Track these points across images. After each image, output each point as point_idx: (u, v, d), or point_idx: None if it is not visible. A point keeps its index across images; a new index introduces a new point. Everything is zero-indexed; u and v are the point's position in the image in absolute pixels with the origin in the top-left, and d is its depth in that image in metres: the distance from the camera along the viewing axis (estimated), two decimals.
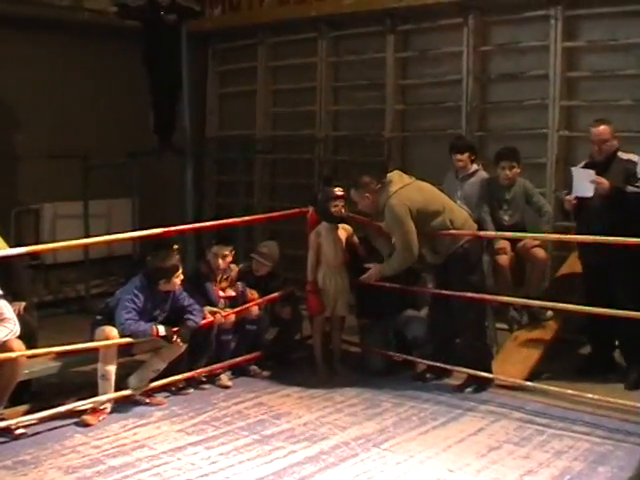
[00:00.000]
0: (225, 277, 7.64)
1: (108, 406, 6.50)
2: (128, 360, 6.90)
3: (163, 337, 6.61)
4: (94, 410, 6.35)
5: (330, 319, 7.75)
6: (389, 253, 7.37)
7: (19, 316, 6.13)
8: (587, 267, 7.51)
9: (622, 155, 7.24)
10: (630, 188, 6.98)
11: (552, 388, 6.87)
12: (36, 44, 10.32)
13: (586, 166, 7.32)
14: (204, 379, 7.32)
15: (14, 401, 6.23)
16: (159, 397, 6.90)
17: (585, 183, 7.05)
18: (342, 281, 7.62)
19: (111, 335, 6.47)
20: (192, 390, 7.16)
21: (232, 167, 11.67)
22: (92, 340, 6.60)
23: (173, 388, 7.09)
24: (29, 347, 6.08)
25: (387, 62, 10.45)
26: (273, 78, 11.90)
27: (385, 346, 7.76)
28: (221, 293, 7.53)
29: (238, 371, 7.62)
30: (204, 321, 7.05)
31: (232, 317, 7.37)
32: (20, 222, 10.51)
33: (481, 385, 7.14)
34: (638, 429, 6.06)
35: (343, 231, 7.67)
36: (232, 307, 7.47)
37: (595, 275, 7.34)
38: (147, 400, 6.79)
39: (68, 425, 6.21)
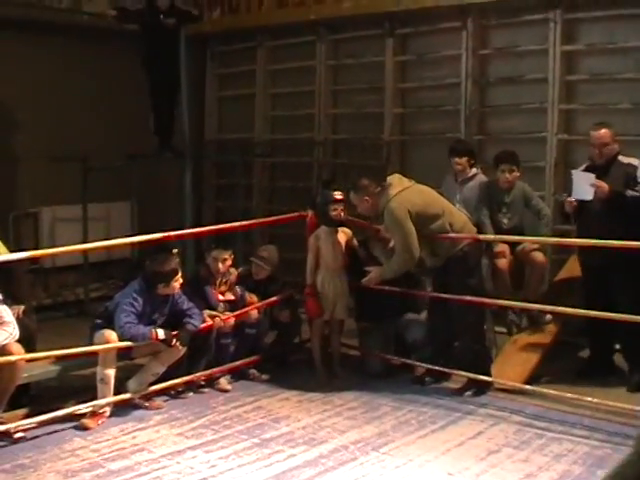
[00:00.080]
0: (224, 281, 7.64)
1: (107, 410, 6.50)
2: (127, 364, 6.89)
3: (162, 341, 6.61)
4: (93, 414, 6.35)
5: (329, 322, 7.75)
6: (389, 256, 7.38)
7: (18, 320, 6.13)
8: (587, 270, 7.50)
9: (622, 159, 7.25)
10: (630, 192, 6.98)
11: (551, 391, 6.87)
12: (35, 47, 10.32)
13: (586, 169, 7.32)
14: (203, 383, 7.32)
15: (13, 405, 6.23)
16: (158, 401, 6.89)
17: (585, 186, 7.05)
18: (341, 284, 7.62)
19: (110, 339, 6.47)
20: (191, 394, 7.16)
21: (231, 170, 11.69)
22: (91, 344, 6.59)
23: (172, 392, 7.08)
24: (28, 351, 6.09)
25: (386, 65, 10.46)
26: (272, 81, 11.90)
27: (384, 349, 7.76)
28: (220, 297, 7.53)
29: (237, 375, 7.62)
30: (203, 325, 7.05)
31: (231, 321, 7.37)
32: (19, 226, 10.51)
33: (480, 388, 7.14)
34: (637, 432, 6.06)
35: (343, 234, 7.67)
36: (231, 311, 7.47)
37: (595, 278, 7.34)
38: (146, 404, 6.78)
39: (67, 429, 6.20)
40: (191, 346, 6.91)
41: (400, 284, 7.55)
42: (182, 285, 6.89)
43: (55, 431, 6.14)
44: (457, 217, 7.29)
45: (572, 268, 8.12)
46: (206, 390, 7.28)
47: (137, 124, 10.69)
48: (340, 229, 7.64)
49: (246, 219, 8.86)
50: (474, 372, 7.10)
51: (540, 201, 8.22)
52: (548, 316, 7.78)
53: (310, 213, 7.91)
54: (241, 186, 11.14)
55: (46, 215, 10.68)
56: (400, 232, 7.00)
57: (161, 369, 6.83)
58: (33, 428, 6.08)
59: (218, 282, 7.58)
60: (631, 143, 7.82)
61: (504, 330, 8.20)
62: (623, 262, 6.87)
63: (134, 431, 6.27)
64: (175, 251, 6.94)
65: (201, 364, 7.22)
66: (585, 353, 7.91)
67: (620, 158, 7.26)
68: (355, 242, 7.82)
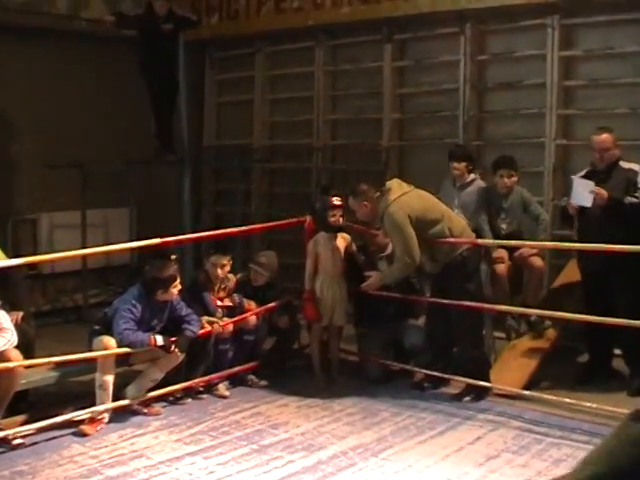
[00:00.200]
0: (223, 287, 7.64)
1: (106, 416, 6.49)
2: (126, 370, 6.89)
3: (161, 347, 6.61)
4: (92, 420, 6.34)
5: (328, 328, 7.75)
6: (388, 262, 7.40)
7: (17, 326, 6.14)
8: (587, 275, 7.51)
9: (624, 164, 7.26)
10: (629, 199, 6.99)
11: (550, 397, 6.88)
12: (33, 53, 10.33)
13: (587, 174, 7.33)
14: (202, 389, 7.31)
15: (11, 411, 6.23)
16: (157, 407, 6.88)
17: (584, 193, 7.05)
18: (340, 290, 7.61)
19: (109, 345, 6.47)
20: (190, 400, 7.15)
21: (230, 176, 11.68)
22: (90, 350, 6.59)
23: (171, 398, 7.08)
24: (27, 357, 6.09)
25: (384, 71, 10.46)
26: (271, 87, 11.90)
27: (383, 355, 7.76)
28: (219, 303, 7.52)
29: (236, 381, 7.61)
30: (202, 331, 7.04)
31: (230, 327, 7.37)
32: (17, 232, 10.51)
33: (479, 394, 7.14)
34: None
35: (342, 240, 7.67)
36: (230, 317, 7.46)
37: (594, 283, 7.34)
38: (145, 410, 6.78)
39: (66, 435, 6.20)
40: (190, 352, 6.91)
41: (399, 290, 7.56)
42: (181, 291, 6.89)
43: (54, 437, 6.13)
44: (456, 222, 7.30)
45: (570, 273, 8.12)
46: (205, 396, 7.27)
47: (135, 130, 10.69)
48: (339, 235, 7.64)
49: (245, 225, 8.87)
50: (473, 377, 7.11)
51: (538, 206, 8.23)
52: (547, 321, 7.77)
53: (309, 218, 7.91)
54: (240, 192, 11.12)
55: (45, 221, 10.67)
56: (400, 236, 6.99)
57: (160, 375, 6.82)
58: (31, 434, 6.07)
59: (217, 288, 7.58)
60: (629, 148, 7.81)
61: (503, 335, 8.19)
62: (622, 267, 6.89)
63: (133, 437, 6.26)
64: (173, 257, 6.94)
65: (199, 370, 7.21)
66: (584, 358, 7.91)
67: (621, 163, 7.27)
68: (354, 247, 7.82)
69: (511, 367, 7.51)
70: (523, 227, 8.14)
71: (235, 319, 7.44)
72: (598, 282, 7.28)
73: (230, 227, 8.13)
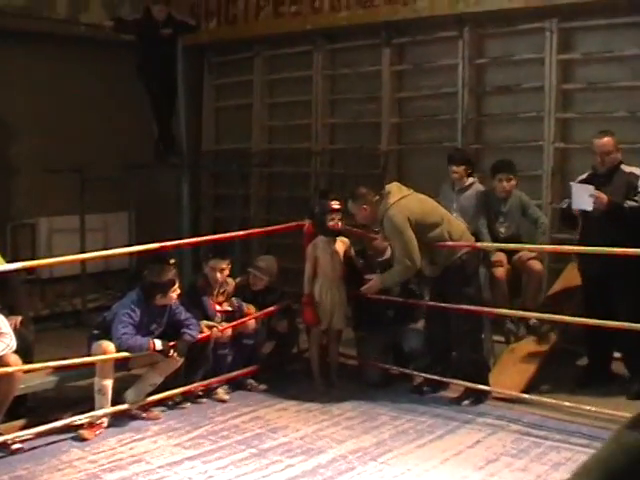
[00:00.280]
0: (222, 291, 7.63)
1: (105, 420, 6.49)
2: (125, 374, 6.88)
3: (160, 351, 6.61)
4: (91, 425, 6.34)
5: (327, 332, 7.74)
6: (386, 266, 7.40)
7: (15, 330, 6.14)
8: (587, 278, 7.50)
9: (625, 168, 7.26)
10: (629, 203, 6.99)
11: (549, 400, 6.88)
12: (32, 57, 10.33)
13: (588, 177, 7.33)
14: (201, 393, 7.31)
15: (10, 416, 6.22)
16: (156, 411, 6.88)
17: (584, 197, 7.04)
18: (339, 294, 7.61)
19: (108, 349, 6.46)
20: (189, 404, 7.15)
21: (228, 180, 11.68)
22: (89, 354, 6.59)
23: (170, 402, 7.07)
24: (25, 361, 6.09)
25: (383, 75, 10.46)
26: (269, 91, 11.91)
27: (382, 359, 7.75)
28: (218, 307, 7.52)
29: (235, 385, 7.60)
30: (201, 335, 7.04)
31: (229, 331, 7.36)
32: (16, 236, 10.50)
33: (478, 397, 7.14)
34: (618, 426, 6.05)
35: (341, 244, 7.67)
36: (229, 321, 7.46)
37: (595, 286, 7.33)
38: (144, 414, 6.77)
39: (65, 440, 6.19)
40: (189, 356, 6.91)
41: (398, 295, 7.58)
42: (180, 295, 6.89)
43: (53, 442, 6.12)
44: (455, 226, 7.30)
45: (569, 277, 8.13)
46: (204, 400, 7.26)
47: (135, 134, 10.70)
48: (338, 239, 7.65)
49: (244, 229, 8.86)
50: (472, 381, 7.10)
51: (537, 210, 8.23)
52: (546, 325, 7.77)
53: (307, 223, 7.92)
54: (238, 196, 11.12)
55: (43, 226, 10.67)
56: (400, 239, 6.99)
57: (159, 380, 6.82)
58: (30, 439, 6.07)
59: (216, 292, 7.57)
60: (628, 151, 7.80)
61: (502, 339, 8.19)
62: (623, 271, 6.88)
63: (132, 442, 6.26)
64: (172, 262, 6.94)
65: (198, 374, 7.21)
66: (583, 361, 7.91)
67: (623, 167, 7.27)
68: (352, 252, 7.82)
69: (510, 371, 7.51)
70: (522, 231, 8.14)
71: (234, 323, 7.44)
72: (598, 285, 7.28)
73: (229, 231, 8.13)
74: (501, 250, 7.89)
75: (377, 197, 7.15)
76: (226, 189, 11.93)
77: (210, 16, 11.74)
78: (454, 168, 8.30)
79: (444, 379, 7.34)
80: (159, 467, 5.74)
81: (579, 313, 7.10)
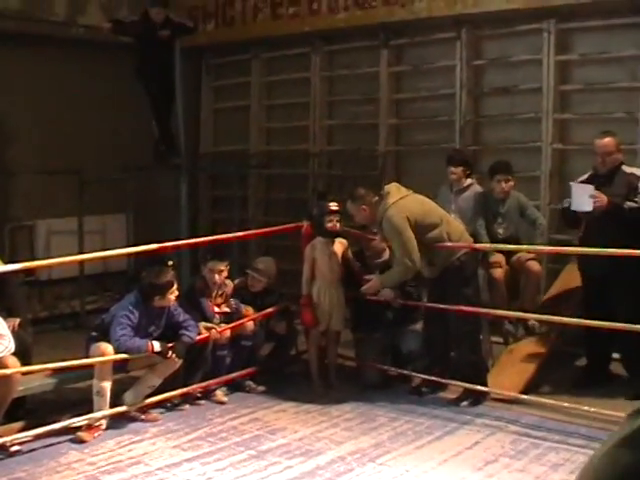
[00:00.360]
0: (220, 293, 7.63)
1: (103, 422, 6.48)
2: (123, 376, 6.88)
3: (158, 353, 6.61)
4: (89, 427, 6.33)
5: (325, 333, 7.74)
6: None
7: (14, 332, 6.14)
8: (587, 279, 7.49)
9: (626, 169, 7.27)
10: (628, 204, 6.99)
11: (548, 401, 6.88)
12: (30, 59, 10.32)
13: (589, 178, 7.32)
14: (199, 395, 7.31)
15: (9, 418, 6.23)
16: (154, 413, 6.88)
17: (584, 198, 7.03)
18: (337, 295, 7.62)
19: (106, 351, 6.46)
20: (187, 406, 7.15)
21: (227, 182, 11.69)
22: (87, 356, 6.59)
23: (168, 404, 7.08)
24: (24, 364, 6.09)
25: (381, 76, 10.46)
26: (267, 93, 11.91)
27: (380, 360, 7.75)
28: (216, 309, 7.52)
29: (233, 387, 7.60)
30: (199, 337, 7.04)
31: (227, 333, 7.36)
32: (14, 238, 10.50)
33: (477, 398, 7.14)
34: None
35: (339, 245, 7.67)
36: (227, 323, 7.46)
37: (595, 287, 7.32)
38: (142, 416, 6.77)
39: (63, 442, 6.19)
40: (187, 358, 6.90)
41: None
42: (178, 297, 6.89)
43: (51, 444, 6.12)
44: (454, 227, 7.30)
45: (567, 278, 8.13)
46: (202, 402, 7.26)
47: (133, 136, 10.70)
48: (336, 240, 7.65)
49: (242, 230, 8.87)
50: (470, 382, 7.11)
51: (535, 211, 8.24)
52: (544, 326, 7.78)
53: (306, 224, 7.92)
54: (237, 198, 11.13)
55: (41, 228, 10.66)
56: (400, 239, 6.98)
57: (157, 381, 6.82)
58: (29, 441, 6.06)
59: (214, 294, 7.57)
60: (625, 152, 7.81)
61: (500, 340, 8.19)
62: (623, 273, 6.88)
63: (130, 444, 6.26)
64: (171, 263, 6.94)
65: (197, 376, 7.21)
66: (582, 362, 7.91)
67: (624, 168, 7.27)
68: (350, 254, 7.81)
69: (509, 372, 7.51)
70: (520, 232, 8.15)
71: (232, 325, 7.44)
72: (598, 286, 7.27)
73: (227, 233, 8.13)
74: (499, 251, 7.90)
75: (376, 198, 7.15)
76: (224, 191, 11.94)
77: (208, 18, 11.74)
78: (452, 169, 8.31)
79: (442, 380, 7.35)
80: (158, 469, 5.74)
81: (578, 314, 7.11)
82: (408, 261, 6.95)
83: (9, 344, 5.88)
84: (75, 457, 5.93)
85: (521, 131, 9.40)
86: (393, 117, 10.53)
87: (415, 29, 10.03)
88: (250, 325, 7.61)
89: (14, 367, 5.88)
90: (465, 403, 7.13)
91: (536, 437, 6.32)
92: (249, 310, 7.69)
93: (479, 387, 7.10)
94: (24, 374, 6.15)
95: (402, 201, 7.10)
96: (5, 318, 6.14)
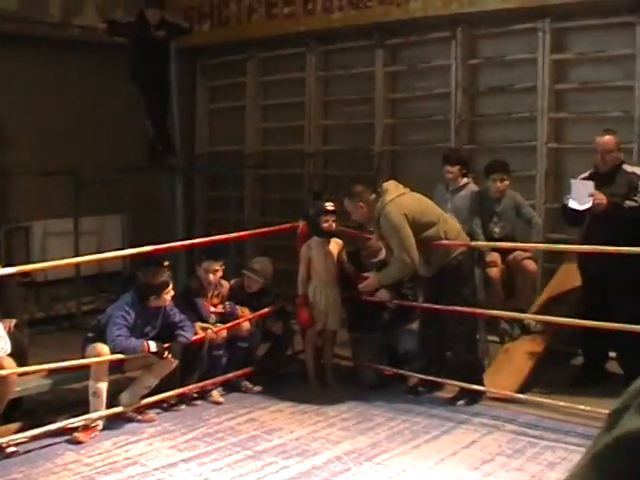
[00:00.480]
0: (216, 293, 7.63)
1: (100, 423, 6.48)
2: (119, 377, 6.89)
3: (154, 353, 6.60)
4: (86, 427, 6.33)
5: (322, 333, 7.74)
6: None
7: (10, 334, 6.14)
8: (587, 278, 7.48)
9: (627, 168, 7.27)
10: (628, 203, 6.98)
11: (544, 400, 6.89)
12: (25, 60, 10.31)
13: (590, 176, 7.31)
14: (196, 395, 7.31)
15: (5, 419, 6.22)
16: (151, 414, 6.87)
17: (583, 195, 7.02)
18: (333, 295, 7.61)
19: (102, 352, 6.46)
20: (184, 406, 7.14)
21: (222, 182, 11.68)
22: (83, 357, 6.58)
23: (165, 404, 7.07)
24: (20, 365, 6.08)
25: (376, 76, 10.46)
26: (262, 93, 11.90)
27: (377, 360, 7.75)
28: (212, 309, 7.51)
29: (230, 387, 7.61)
30: (195, 337, 7.04)
31: (223, 333, 7.36)
32: (10, 240, 10.48)
33: (473, 398, 7.14)
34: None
35: (335, 245, 7.67)
36: (223, 323, 7.46)
37: (594, 286, 7.31)
38: (139, 417, 6.77)
39: (60, 443, 6.18)
40: (183, 358, 6.90)
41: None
42: (174, 297, 6.89)
43: (48, 445, 6.12)
44: (451, 226, 7.30)
45: (563, 277, 8.14)
46: (199, 402, 7.26)
47: (129, 137, 10.68)
48: (332, 240, 7.65)
49: (238, 231, 8.86)
50: (467, 381, 7.11)
51: (531, 210, 8.24)
52: (539, 325, 7.78)
53: (302, 224, 7.92)
54: (233, 198, 11.12)
55: (38, 229, 10.65)
56: (398, 236, 6.96)
57: (153, 382, 6.81)
58: (25, 442, 6.06)
59: (210, 294, 7.57)
60: (621, 151, 7.82)
61: (496, 339, 8.19)
62: (623, 272, 6.88)
63: (127, 444, 6.25)
64: (166, 264, 6.94)
65: (193, 376, 7.20)
66: (578, 361, 7.92)
67: (625, 167, 7.27)
68: (344, 256, 7.80)
69: (505, 371, 7.51)
70: (516, 231, 8.15)
71: (228, 325, 7.43)
72: (599, 285, 7.26)
73: (223, 233, 8.13)
74: (495, 250, 7.90)
75: (373, 195, 7.14)
76: (220, 191, 11.93)
77: (203, 19, 11.73)
78: (449, 168, 8.31)
79: (439, 380, 7.35)
80: (154, 469, 5.74)
81: (575, 313, 7.11)
82: (407, 257, 6.93)
83: (5, 345, 5.87)
84: (71, 458, 5.93)
85: (517, 130, 9.40)
86: (389, 117, 10.53)
87: (410, 29, 10.03)
88: (246, 326, 7.60)
89: (10, 368, 5.88)
90: (461, 402, 7.13)
91: (533, 436, 6.32)
92: (245, 311, 7.68)
93: (475, 386, 7.10)
94: (20, 375, 6.14)
95: (400, 198, 7.09)
96: (1, 319, 6.15)
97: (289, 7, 10.78)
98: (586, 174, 7.42)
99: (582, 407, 6.53)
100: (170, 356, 6.68)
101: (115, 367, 6.64)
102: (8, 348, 5.89)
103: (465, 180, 8.36)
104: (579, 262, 7.64)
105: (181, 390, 7.08)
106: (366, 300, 7.53)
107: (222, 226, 10.23)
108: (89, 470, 5.70)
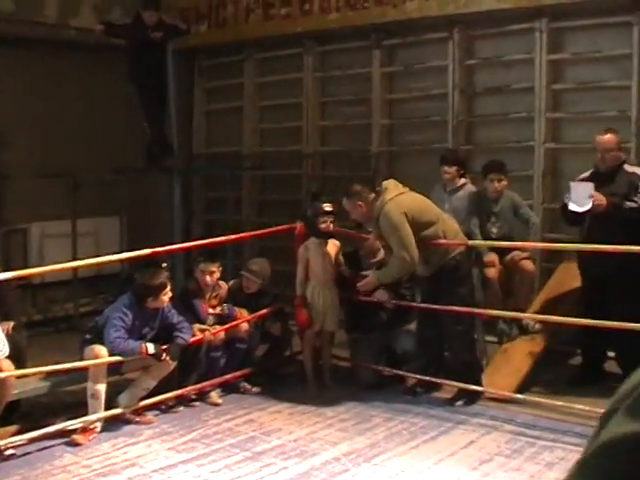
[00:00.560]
0: (215, 295, 7.63)
1: (98, 425, 6.48)
2: (118, 379, 6.88)
3: (152, 355, 6.60)
4: (84, 429, 6.33)
5: (320, 334, 7.74)
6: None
7: (8, 336, 6.13)
8: (587, 278, 7.48)
9: (628, 168, 7.26)
10: (628, 204, 6.98)
11: (542, 400, 6.89)
12: (22, 62, 10.31)
13: (591, 176, 7.31)
14: (194, 396, 7.30)
15: (3, 421, 6.22)
16: (149, 415, 6.87)
17: (583, 197, 7.00)
18: (331, 296, 7.61)
19: (100, 354, 6.45)
20: (182, 408, 7.14)
21: (220, 184, 11.67)
22: (81, 359, 6.58)
23: (163, 406, 7.07)
24: (18, 367, 6.07)
25: (373, 77, 10.46)
26: (260, 94, 11.89)
27: (375, 360, 7.75)
28: (210, 310, 7.51)
29: (228, 388, 7.60)
30: (193, 339, 7.04)
31: (221, 334, 7.36)
32: (8, 242, 10.48)
33: (471, 398, 7.15)
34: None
35: (333, 246, 7.67)
36: (221, 324, 7.45)
37: (594, 286, 7.30)
38: (137, 419, 6.76)
39: (58, 445, 6.18)
40: (181, 360, 6.90)
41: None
42: (172, 299, 6.89)
43: (46, 447, 6.11)
44: (450, 226, 7.31)
45: (561, 277, 8.14)
46: (197, 404, 7.26)
47: (126, 139, 10.69)
48: (330, 241, 7.65)
49: (236, 232, 8.86)
50: (465, 382, 7.11)
51: (528, 210, 8.24)
52: (537, 325, 7.78)
53: (299, 225, 7.92)
54: (230, 199, 11.12)
55: (35, 231, 10.64)
56: (397, 234, 6.95)
57: (152, 384, 6.81)
58: (24, 445, 6.06)
59: (208, 296, 7.57)
60: None
61: (494, 339, 8.20)
62: (624, 273, 6.88)
63: (125, 446, 6.25)
64: (164, 265, 6.94)
65: (192, 378, 7.20)
66: (575, 361, 7.92)
67: (625, 167, 7.27)
68: (341, 258, 7.79)
69: (503, 371, 7.52)
70: (514, 231, 8.15)
71: (227, 326, 7.43)
72: (599, 286, 7.25)
73: (221, 235, 8.13)
74: (493, 250, 7.91)
75: (372, 194, 7.14)
76: (218, 192, 11.91)
77: (200, 19, 11.72)
78: (446, 169, 8.31)
79: (437, 380, 7.35)
80: (153, 471, 5.74)
81: (574, 313, 7.11)
82: (406, 256, 6.91)
83: (3, 347, 5.87)
84: (70, 460, 5.93)
85: (514, 130, 9.41)
86: (386, 117, 10.53)
87: (407, 29, 10.03)
88: (244, 327, 7.60)
89: (8, 370, 5.87)
90: (460, 403, 7.14)
91: (531, 436, 6.32)
92: (243, 313, 7.67)
93: (474, 387, 7.10)
94: (18, 377, 6.14)
95: (399, 197, 7.10)
96: None
97: (286, 8, 10.77)
98: (587, 174, 7.42)
99: (580, 407, 6.53)
100: (168, 358, 6.68)
101: (113, 369, 6.64)
102: (6, 350, 5.89)
103: (463, 181, 8.36)
104: (579, 262, 7.63)
105: (179, 392, 7.07)
106: (364, 300, 7.53)
107: (219, 229, 10.22)
108: (88, 472, 5.70)
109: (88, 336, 6.73)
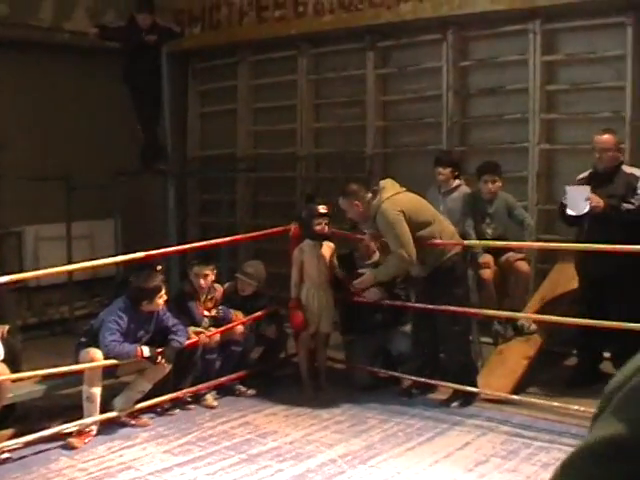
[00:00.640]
0: (209, 297, 7.62)
1: (94, 428, 6.47)
2: (113, 382, 6.87)
3: (147, 358, 6.60)
4: (80, 433, 6.32)
5: (315, 336, 7.74)
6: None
7: (3, 339, 6.14)
8: (586, 282, 7.47)
9: (626, 169, 7.27)
10: (625, 205, 6.97)
11: (538, 401, 6.90)
12: (17, 65, 10.30)
13: (590, 176, 7.31)
14: (189, 399, 7.31)
15: None
16: (145, 418, 6.87)
17: (580, 200, 6.99)
18: (326, 298, 7.61)
19: (95, 357, 6.45)
20: (178, 411, 7.14)
21: (215, 186, 11.67)
22: (77, 362, 6.57)
23: (159, 409, 7.06)
24: (13, 370, 6.08)
25: (367, 78, 10.46)
26: (254, 96, 11.89)
27: (370, 362, 7.75)
28: (206, 313, 7.51)
29: (223, 391, 7.60)
30: (189, 341, 7.03)
31: (217, 337, 7.35)
32: (2, 245, 10.47)
33: (467, 399, 7.15)
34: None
35: (327, 248, 7.67)
36: (216, 326, 7.45)
37: (594, 289, 7.30)
38: (133, 421, 6.76)
39: (54, 448, 6.18)
40: (177, 363, 6.90)
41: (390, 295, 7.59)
42: (167, 302, 6.89)
43: (42, 451, 6.11)
44: (446, 227, 7.31)
45: (556, 278, 8.14)
46: (192, 407, 7.26)
47: (120, 142, 10.68)
48: (324, 243, 7.64)
49: (230, 235, 8.85)
50: (460, 383, 7.11)
51: (523, 211, 8.24)
52: (533, 325, 7.79)
53: (294, 227, 7.91)
54: (225, 202, 11.11)
55: (30, 234, 10.63)
56: (395, 232, 6.95)
57: (147, 386, 6.81)
58: (19, 448, 6.05)
59: (203, 299, 7.56)
60: None
61: (490, 340, 8.20)
62: (622, 274, 6.88)
63: (121, 449, 6.25)
64: (159, 268, 6.94)
65: (187, 381, 7.20)
66: (571, 362, 7.93)
67: (623, 168, 7.27)
68: (335, 260, 7.79)
69: (498, 372, 7.52)
70: (508, 232, 8.15)
71: (222, 329, 7.43)
72: (597, 287, 7.24)
73: (216, 237, 8.13)
74: (488, 252, 7.91)
75: (369, 194, 7.14)
76: (212, 195, 11.91)
77: (194, 22, 11.72)
78: (440, 170, 8.31)
79: (432, 381, 7.35)
80: (149, 474, 5.74)
81: (569, 314, 7.11)
82: (404, 253, 6.89)
83: None
84: (66, 463, 5.92)
85: (508, 132, 9.41)
86: (380, 119, 10.53)
87: (401, 31, 10.03)
88: (240, 329, 7.60)
89: (3, 374, 5.88)
90: (455, 404, 7.14)
91: (527, 437, 6.33)
92: (238, 315, 7.67)
93: (469, 388, 7.11)
94: (14, 381, 6.14)
95: (397, 196, 7.10)
96: None
97: (280, 10, 10.77)
98: (585, 174, 7.42)
99: (576, 408, 6.52)
100: (163, 360, 6.68)
101: (108, 372, 6.64)
102: (1, 354, 5.89)
103: (457, 182, 8.36)
104: (578, 263, 7.63)
105: (175, 394, 7.08)
106: (359, 302, 7.53)
107: (214, 232, 10.22)
108: (83, 475, 5.69)
109: (83, 339, 6.73)
